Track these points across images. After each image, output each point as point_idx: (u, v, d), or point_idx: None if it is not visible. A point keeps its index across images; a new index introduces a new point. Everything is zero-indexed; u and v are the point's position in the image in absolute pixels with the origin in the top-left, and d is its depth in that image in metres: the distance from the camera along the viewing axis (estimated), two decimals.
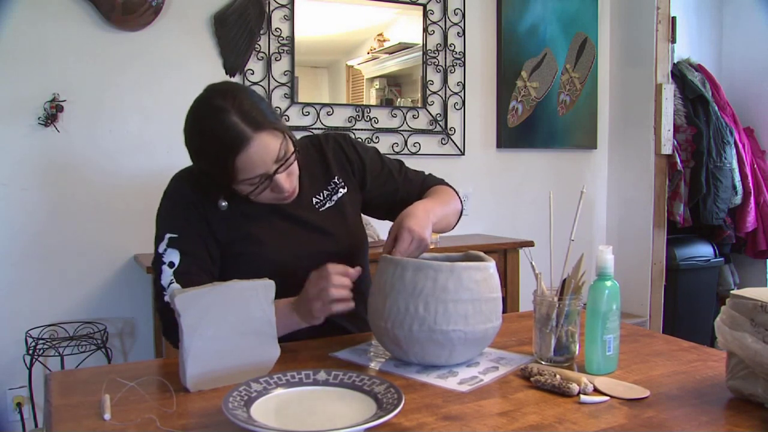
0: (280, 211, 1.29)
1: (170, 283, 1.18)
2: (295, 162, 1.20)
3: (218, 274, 1.27)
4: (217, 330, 0.98)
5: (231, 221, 1.25)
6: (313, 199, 1.33)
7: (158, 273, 1.20)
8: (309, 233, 1.30)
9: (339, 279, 1.12)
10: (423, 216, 1.20)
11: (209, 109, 1.16)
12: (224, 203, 1.22)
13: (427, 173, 1.47)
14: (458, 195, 1.43)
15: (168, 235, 1.21)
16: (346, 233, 1.34)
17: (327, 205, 1.34)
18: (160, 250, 1.21)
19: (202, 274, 1.21)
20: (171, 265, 1.19)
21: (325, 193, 1.35)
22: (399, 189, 1.41)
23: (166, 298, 1.16)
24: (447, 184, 1.45)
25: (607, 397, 0.94)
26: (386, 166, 1.42)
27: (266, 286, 1.03)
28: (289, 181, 1.20)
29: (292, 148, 1.19)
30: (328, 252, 1.26)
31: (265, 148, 1.13)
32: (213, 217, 1.24)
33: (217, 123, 1.13)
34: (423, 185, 1.42)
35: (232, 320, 1.00)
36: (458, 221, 1.41)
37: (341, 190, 1.36)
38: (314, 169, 1.36)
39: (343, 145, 1.40)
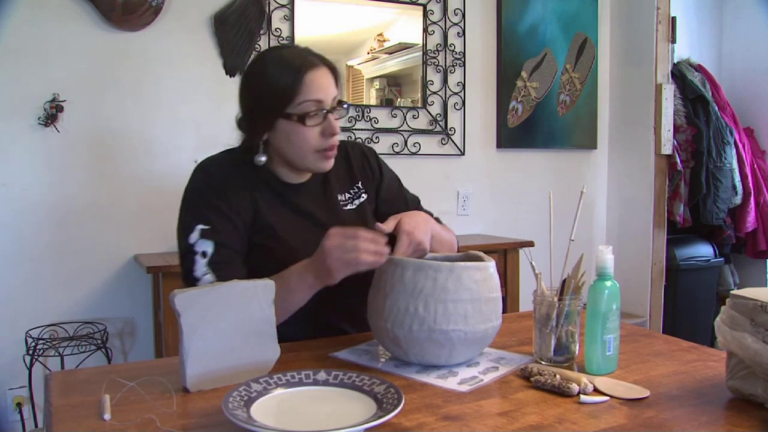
0: (302, 207, 1.30)
1: (205, 274, 1.17)
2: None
3: None
4: (217, 330, 0.98)
5: (255, 211, 1.25)
6: (338, 196, 1.36)
7: (190, 263, 1.18)
8: (323, 231, 1.30)
9: (367, 236, 1.09)
10: (422, 223, 1.22)
11: (284, 45, 1.27)
12: (263, 158, 1.25)
13: (436, 216, 1.46)
14: (456, 241, 1.44)
15: (199, 227, 1.19)
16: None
17: (349, 207, 1.36)
18: (191, 241, 1.18)
19: (238, 262, 1.21)
20: (204, 254, 1.18)
21: (348, 195, 1.38)
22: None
23: (208, 277, 1.17)
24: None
25: (607, 397, 0.94)
26: (403, 191, 1.47)
27: (266, 286, 1.03)
28: (337, 136, 1.24)
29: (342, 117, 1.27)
30: None
31: (329, 82, 1.22)
32: (238, 205, 1.24)
33: (293, 48, 1.27)
34: None
35: (232, 320, 1.00)
36: None
37: (363, 195, 1.39)
38: (340, 171, 1.38)
39: (368, 155, 1.44)
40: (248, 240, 1.25)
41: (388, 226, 1.18)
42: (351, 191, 1.38)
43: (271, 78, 1.22)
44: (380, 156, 1.49)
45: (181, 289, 0.97)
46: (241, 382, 0.91)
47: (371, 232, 1.10)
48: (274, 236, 1.25)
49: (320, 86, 1.20)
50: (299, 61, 1.20)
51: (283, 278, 1.15)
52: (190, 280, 1.18)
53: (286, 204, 1.29)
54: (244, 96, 1.29)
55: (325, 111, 1.21)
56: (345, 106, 1.26)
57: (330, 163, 1.27)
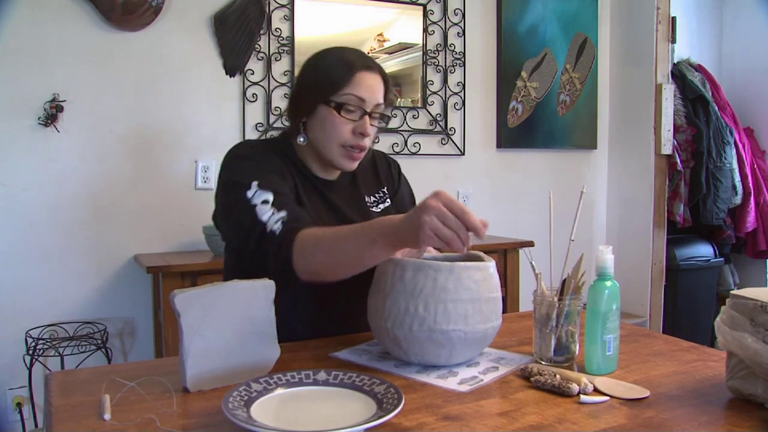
0: (335, 203, 1.32)
1: (272, 215, 1.12)
2: (371, 141, 1.29)
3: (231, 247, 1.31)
4: (217, 330, 0.98)
5: (296, 193, 1.26)
6: (366, 197, 1.38)
7: (253, 214, 1.13)
8: None
9: (470, 220, 0.98)
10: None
11: (349, 47, 1.31)
12: (301, 138, 1.28)
13: None
14: None
15: (254, 182, 1.16)
16: None
17: (375, 210, 1.39)
18: (249, 195, 1.15)
19: (297, 205, 1.19)
20: (266, 202, 1.14)
21: (374, 198, 1.40)
22: None
23: (273, 227, 1.11)
24: None
25: (607, 397, 0.94)
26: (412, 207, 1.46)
27: (266, 286, 1.03)
28: (367, 139, 1.26)
29: (380, 127, 1.30)
30: None
31: (379, 88, 1.26)
32: (284, 175, 1.25)
33: (356, 51, 1.30)
34: None
35: (232, 320, 1.00)
36: None
37: (387, 201, 1.43)
38: (367, 174, 1.42)
39: (391, 165, 1.49)
40: None
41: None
42: (377, 195, 1.41)
43: (326, 67, 1.27)
44: (400, 168, 1.52)
45: (181, 289, 0.97)
46: (241, 382, 0.91)
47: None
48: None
49: (368, 86, 1.24)
50: (357, 60, 1.25)
51: (350, 228, 1.06)
52: (257, 228, 1.12)
53: (319, 196, 1.32)
54: (297, 80, 1.34)
55: (363, 111, 1.24)
56: (384, 118, 1.29)
57: (353, 164, 1.28)
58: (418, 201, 1.51)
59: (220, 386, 0.98)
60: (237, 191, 1.17)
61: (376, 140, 2.77)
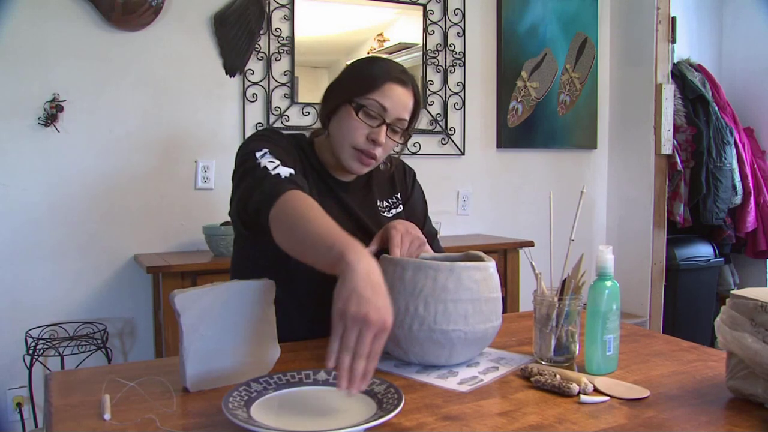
0: (348, 205, 1.33)
1: (276, 167, 1.12)
2: (388, 152, 1.30)
3: (241, 239, 1.32)
4: (217, 330, 0.98)
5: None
6: (378, 201, 1.39)
7: (259, 167, 1.13)
8: (359, 231, 1.31)
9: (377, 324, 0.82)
10: (408, 223, 1.23)
11: (396, 62, 1.32)
12: (326, 132, 1.31)
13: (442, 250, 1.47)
14: None
15: (265, 149, 1.18)
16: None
17: (386, 215, 1.40)
18: (257, 156, 1.16)
19: (301, 176, 1.18)
20: (273, 162, 1.14)
21: (386, 203, 1.41)
22: None
23: (278, 171, 1.11)
24: None
25: (607, 397, 0.94)
26: (425, 220, 1.49)
27: (266, 286, 1.03)
28: (384, 147, 1.26)
29: (400, 143, 1.30)
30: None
31: (405, 103, 1.26)
32: (298, 164, 1.26)
33: (397, 65, 1.31)
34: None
35: (232, 320, 1.00)
36: None
37: (400, 206, 1.44)
38: (382, 180, 1.43)
39: (407, 172, 1.50)
40: None
41: (372, 248, 1.16)
42: (390, 200, 1.42)
43: (361, 70, 1.30)
44: (415, 174, 1.53)
45: (181, 289, 0.97)
46: (241, 382, 0.91)
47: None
48: None
49: (394, 97, 1.24)
50: (392, 72, 1.26)
51: (323, 228, 0.96)
52: (261, 171, 1.12)
53: (333, 196, 1.33)
54: (334, 79, 1.34)
55: (383, 120, 1.24)
56: (405, 135, 1.30)
57: (362, 169, 1.29)
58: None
59: (220, 386, 0.98)
60: (248, 159, 1.17)
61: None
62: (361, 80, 1.26)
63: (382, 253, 1.14)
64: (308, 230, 0.96)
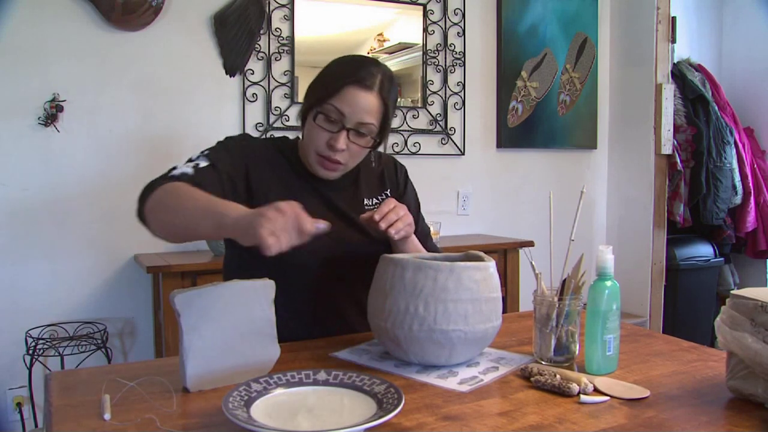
0: (334, 203, 1.33)
1: (182, 172, 1.17)
2: (359, 156, 1.28)
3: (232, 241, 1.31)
4: (217, 330, 0.98)
5: (276, 193, 1.26)
6: (365, 199, 1.38)
7: (170, 169, 1.20)
8: (350, 230, 1.32)
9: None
10: (404, 207, 1.25)
11: (374, 60, 1.30)
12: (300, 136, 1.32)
13: (436, 248, 1.46)
14: None
15: (204, 152, 1.24)
16: (385, 241, 1.33)
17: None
18: (192, 157, 1.23)
19: (219, 180, 1.20)
20: (195, 165, 1.19)
21: (375, 201, 1.40)
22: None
23: (176, 172, 1.17)
24: None
25: (607, 397, 0.94)
26: (418, 217, 1.47)
27: (266, 286, 1.03)
28: (344, 154, 1.25)
29: (371, 146, 1.28)
30: (363, 252, 1.30)
31: (366, 106, 1.22)
32: (261, 180, 1.27)
33: (366, 61, 1.29)
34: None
35: (232, 320, 1.00)
36: None
37: None
38: (371, 177, 1.42)
39: (398, 168, 1.48)
40: None
41: (364, 216, 1.22)
42: (378, 198, 1.41)
43: (325, 74, 1.29)
44: (407, 172, 1.52)
45: (181, 289, 0.97)
46: (241, 382, 0.91)
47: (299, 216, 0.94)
48: None
49: (352, 102, 1.22)
50: (354, 75, 1.23)
51: (210, 201, 1.04)
52: (167, 171, 1.20)
53: (316, 194, 1.32)
54: (315, 79, 1.34)
55: (342, 125, 1.23)
56: (373, 138, 1.27)
57: (327, 174, 1.29)
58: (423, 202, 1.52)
59: (220, 386, 0.98)
60: (198, 154, 1.24)
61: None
62: (322, 85, 1.26)
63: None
64: (189, 207, 1.04)
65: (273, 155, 1.32)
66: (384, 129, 1.28)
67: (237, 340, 1.00)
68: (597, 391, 0.97)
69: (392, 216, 1.20)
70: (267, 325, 1.03)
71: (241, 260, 1.30)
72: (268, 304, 1.03)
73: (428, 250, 1.37)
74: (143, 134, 2.42)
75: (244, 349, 1.01)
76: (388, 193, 1.43)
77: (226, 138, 1.32)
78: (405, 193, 1.47)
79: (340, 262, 1.28)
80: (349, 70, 1.24)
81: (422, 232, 1.44)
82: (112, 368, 1.24)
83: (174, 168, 1.20)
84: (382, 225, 1.18)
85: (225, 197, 1.10)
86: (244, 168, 1.26)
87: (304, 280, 1.26)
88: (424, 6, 2.89)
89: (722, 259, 3.48)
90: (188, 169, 1.17)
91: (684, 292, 3.34)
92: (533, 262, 1.15)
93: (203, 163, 1.20)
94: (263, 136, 2.56)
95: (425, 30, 2.90)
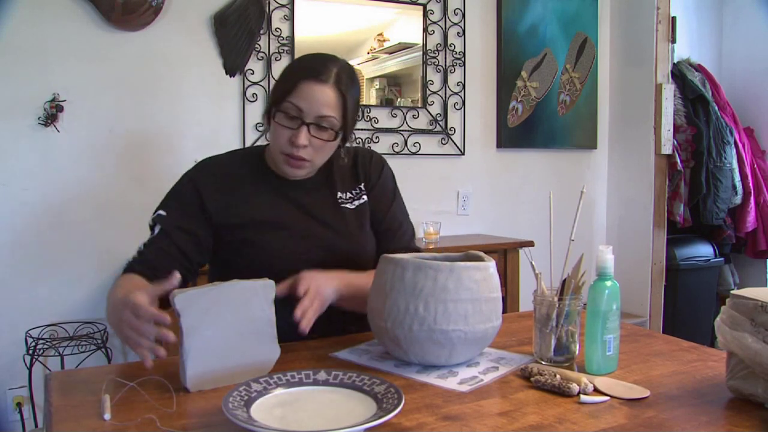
0: (300, 201, 1.33)
1: (134, 258, 1.26)
2: (325, 151, 1.28)
3: (215, 260, 1.36)
4: (217, 330, 0.98)
5: (244, 206, 1.30)
6: (338, 194, 1.38)
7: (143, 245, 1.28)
8: (323, 228, 1.33)
9: (133, 321, 0.98)
10: (327, 276, 1.20)
11: (327, 55, 1.30)
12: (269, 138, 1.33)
13: (414, 248, 1.42)
14: None
15: (159, 212, 1.29)
16: (359, 238, 1.36)
17: (349, 206, 1.38)
18: (149, 222, 1.30)
19: (166, 257, 1.25)
20: (152, 233, 1.28)
21: (349, 195, 1.39)
22: (379, 231, 1.40)
23: (132, 257, 1.26)
24: None
25: (607, 397, 0.94)
26: (395, 212, 1.43)
27: (266, 286, 1.03)
28: (308, 149, 1.25)
29: (334, 139, 1.27)
30: (342, 248, 1.31)
31: (323, 99, 1.22)
32: (222, 202, 1.29)
33: (322, 57, 1.29)
34: (395, 250, 1.37)
35: (232, 320, 1.00)
36: None
37: (363, 197, 1.41)
38: (346, 171, 1.41)
39: (373, 162, 1.45)
40: (236, 235, 1.29)
41: (281, 289, 1.12)
42: (353, 191, 1.40)
43: (283, 74, 1.30)
44: (388, 168, 1.47)
45: (181, 290, 0.97)
46: (241, 382, 0.91)
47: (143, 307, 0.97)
48: (273, 227, 1.30)
49: (308, 96, 1.22)
50: (307, 70, 1.24)
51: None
52: (131, 258, 1.27)
53: (287, 199, 1.33)
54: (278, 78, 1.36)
55: (301, 121, 1.23)
56: (330, 129, 1.25)
57: (295, 172, 1.29)
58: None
59: (220, 386, 0.98)
60: (152, 219, 1.30)
61: (376, 140, 2.77)
62: (279, 83, 1.27)
63: (290, 297, 1.13)
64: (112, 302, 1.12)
65: (236, 169, 1.34)
66: (346, 122, 1.28)
67: (237, 340, 1.00)
68: (597, 391, 0.97)
69: (306, 300, 1.12)
70: (267, 325, 1.03)
71: (223, 276, 1.29)
72: (268, 304, 1.03)
73: (407, 250, 1.35)
74: (143, 134, 2.42)
75: (244, 348, 1.01)
76: (362, 187, 1.41)
77: (180, 179, 1.34)
78: (378, 181, 1.43)
79: (323, 263, 1.26)
80: (304, 66, 1.26)
81: (389, 228, 1.40)
82: (112, 368, 1.24)
83: (148, 237, 1.29)
84: (298, 313, 1.10)
85: (185, 254, 1.26)
86: (198, 206, 1.29)
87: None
88: (424, 6, 2.89)
89: (722, 259, 3.48)
90: (143, 248, 1.26)
91: (684, 292, 3.34)
92: (533, 262, 1.15)
93: (157, 230, 1.27)
94: (261, 137, 2.56)
95: (425, 30, 2.90)
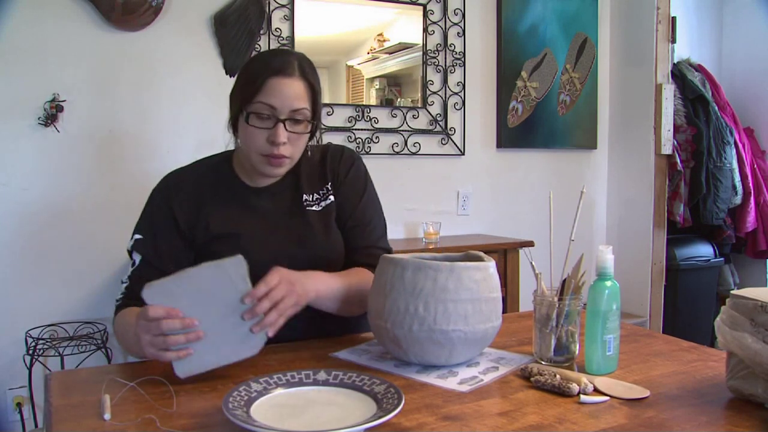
0: (265, 210, 1.32)
1: (122, 294, 1.31)
2: (301, 144, 1.27)
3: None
4: (196, 315, 0.99)
5: (209, 221, 1.29)
6: (304, 196, 1.35)
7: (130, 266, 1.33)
8: (287, 235, 1.31)
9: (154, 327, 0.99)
10: (302, 275, 1.17)
11: (281, 49, 1.27)
12: (238, 143, 1.32)
13: (384, 246, 1.39)
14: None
15: (136, 236, 1.33)
16: (325, 241, 1.33)
17: (315, 208, 1.34)
18: (129, 248, 1.34)
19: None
20: (133, 264, 1.32)
21: (315, 196, 1.36)
22: (347, 228, 1.37)
23: (120, 295, 1.31)
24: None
25: (607, 397, 0.94)
26: (364, 209, 1.39)
27: (235, 263, 1.02)
28: (286, 146, 1.24)
29: (308, 131, 1.27)
30: (306, 255, 1.28)
31: (294, 93, 1.22)
32: (192, 216, 1.29)
33: (278, 52, 1.31)
34: (363, 247, 1.36)
35: (208, 303, 1.00)
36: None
37: (330, 197, 1.36)
38: (313, 171, 1.38)
39: (343, 158, 1.40)
40: (207, 249, 1.27)
41: (258, 291, 1.05)
42: (320, 192, 1.36)
43: (244, 75, 1.27)
44: (360, 163, 1.42)
45: (149, 282, 1.00)
46: (241, 382, 0.92)
47: (158, 311, 0.98)
48: (233, 240, 1.27)
49: (278, 93, 1.21)
50: (270, 67, 1.22)
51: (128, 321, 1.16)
52: (118, 297, 1.32)
53: (246, 207, 1.31)
54: (236, 78, 1.32)
55: (276, 118, 1.21)
56: (304, 120, 1.24)
57: (277, 171, 1.27)
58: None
59: (210, 369, 1.00)
60: (130, 245, 1.35)
61: (376, 140, 2.77)
62: (244, 85, 1.24)
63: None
64: (125, 335, 1.16)
65: (202, 179, 1.33)
66: (316, 111, 1.27)
67: (218, 323, 1.00)
68: (597, 391, 0.97)
69: (277, 292, 1.06)
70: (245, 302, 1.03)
71: None
72: (242, 280, 1.02)
73: (374, 247, 1.34)
74: (143, 134, 2.42)
75: (227, 330, 1.01)
76: (329, 186, 1.37)
77: (150, 196, 1.35)
78: (345, 181, 1.38)
79: (302, 264, 1.22)
80: (266, 64, 1.23)
81: (359, 222, 1.37)
82: (112, 368, 1.24)
83: (129, 269, 1.33)
84: (255, 329, 1.04)
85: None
86: (172, 221, 1.30)
87: None
88: (424, 6, 2.89)
89: (722, 259, 3.48)
90: (128, 282, 1.30)
91: (684, 292, 3.34)
92: (533, 262, 1.15)
93: (138, 260, 1.30)
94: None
95: (425, 30, 2.90)
